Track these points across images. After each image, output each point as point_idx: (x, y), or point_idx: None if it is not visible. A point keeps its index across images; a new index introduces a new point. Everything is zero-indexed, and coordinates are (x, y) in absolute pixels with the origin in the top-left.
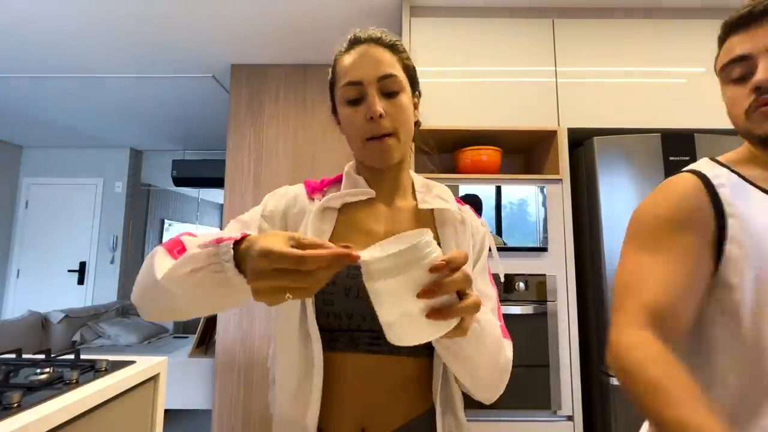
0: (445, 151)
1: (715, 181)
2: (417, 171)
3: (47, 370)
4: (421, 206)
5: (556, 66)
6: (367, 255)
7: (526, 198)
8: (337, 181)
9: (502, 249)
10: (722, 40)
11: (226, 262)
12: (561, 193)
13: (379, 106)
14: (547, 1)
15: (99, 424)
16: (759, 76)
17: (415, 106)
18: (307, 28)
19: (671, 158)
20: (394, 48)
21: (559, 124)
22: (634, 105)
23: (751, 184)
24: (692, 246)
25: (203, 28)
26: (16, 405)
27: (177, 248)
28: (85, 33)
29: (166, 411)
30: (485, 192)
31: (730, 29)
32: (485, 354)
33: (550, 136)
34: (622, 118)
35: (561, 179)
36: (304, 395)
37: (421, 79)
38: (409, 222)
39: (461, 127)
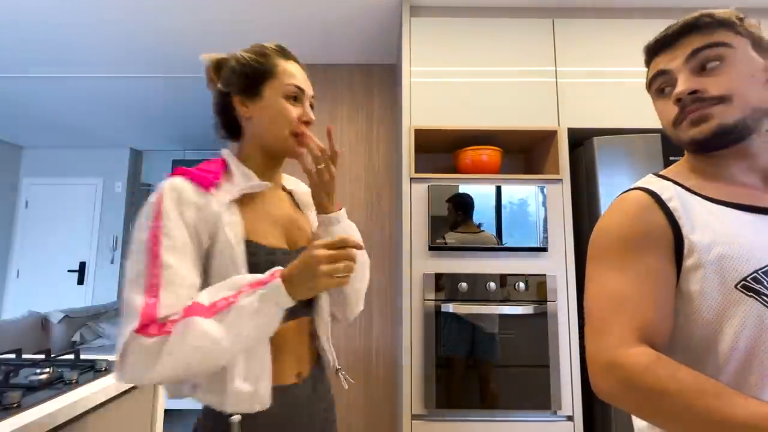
0: (445, 151)
1: (663, 196)
2: (418, 171)
3: (47, 370)
4: (296, 189)
5: (556, 66)
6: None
7: (526, 198)
8: (221, 170)
9: (503, 249)
10: (648, 63)
11: (281, 294)
12: (561, 193)
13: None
14: (547, 1)
15: (99, 424)
16: (678, 89)
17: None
18: (307, 28)
19: (671, 158)
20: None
21: (559, 124)
22: (634, 105)
23: (694, 193)
24: (659, 261)
25: (203, 28)
26: (16, 405)
27: (214, 309)
28: (86, 33)
29: (166, 411)
30: (485, 192)
31: (652, 52)
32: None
33: (550, 136)
34: (622, 118)
35: (561, 179)
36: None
37: (421, 79)
38: (290, 205)
39: (461, 127)
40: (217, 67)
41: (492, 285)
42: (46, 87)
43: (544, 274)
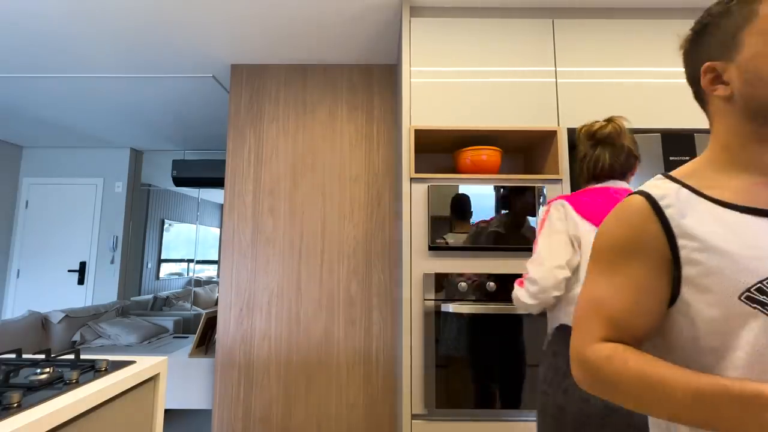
0: (445, 151)
1: (662, 202)
2: (418, 171)
3: (47, 370)
4: None
5: (556, 66)
6: None
7: (526, 198)
8: None
9: (503, 249)
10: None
11: None
12: (561, 193)
13: None
14: (547, 1)
15: (99, 424)
16: None
17: None
18: (307, 28)
19: (671, 158)
20: None
21: (559, 124)
22: (634, 105)
23: (703, 196)
24: (645, 270)
25: (203, 28)
26: (16, 405)
27: None
28: (86, 33)
29: (166, 411)
30: (485, 192)
31: None
32: None
33: (550, 136)
34: None
35: (561, 179)
36: None
37: (421, 79)
38: None
39: (461, 127)
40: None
41: (492, 285)
42: (46, 87)
43: None
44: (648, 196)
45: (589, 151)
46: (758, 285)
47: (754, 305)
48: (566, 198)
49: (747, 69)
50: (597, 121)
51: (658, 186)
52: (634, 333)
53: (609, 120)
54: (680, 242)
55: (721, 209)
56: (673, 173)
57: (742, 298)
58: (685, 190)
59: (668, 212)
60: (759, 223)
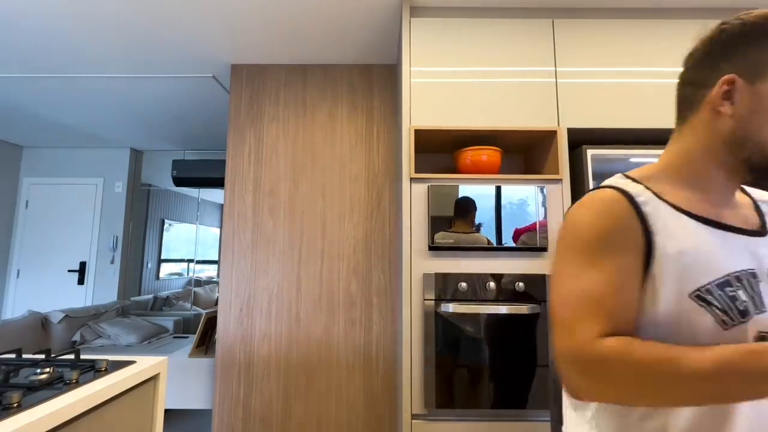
0: (445, 151)
1: (638, 199)
2: (418, 171)
3: (47, 370)
4: None
5: (556, 66)
6: None
7: (526, 198)
8: None
9: (503, 249)
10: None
11: None
12: (561, 193)
13: None
14: (547, 1)
15: (99, 424)
16: None
17: None
18: (307, 28)
19: None
20: None
21: (559, 124)
22: (634, 105)
23: (663, 200)
24: (631, 260)
25: (203, 28)
26: (16, 405)
27: None
28: (85, 33)
29: (166, 411)
30: (485, 192)
31: None
32: None
33: (549, 136)
34: (622, 118)
35: (561, 179)
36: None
37: (421, 80)
38: None
39: (461, 127)
40: None
41: (492, 285)
42: (46, 87)
43: (544, 274)
44: (624, 192)
45: None
46: (708, 286)
47: (702, 303)
48: None
49: (761, 101)
50: None
51: (627, 184)
52: (627, 326)
53: None
54: (654, 239)
55: (681, 215)
56: (631, 174)
57: (692, 296)
58: (649, 192)
59: (645, 210)
60: (707, 231)
